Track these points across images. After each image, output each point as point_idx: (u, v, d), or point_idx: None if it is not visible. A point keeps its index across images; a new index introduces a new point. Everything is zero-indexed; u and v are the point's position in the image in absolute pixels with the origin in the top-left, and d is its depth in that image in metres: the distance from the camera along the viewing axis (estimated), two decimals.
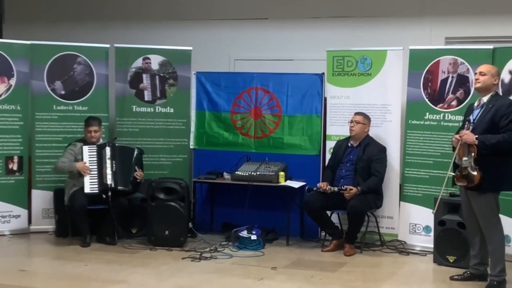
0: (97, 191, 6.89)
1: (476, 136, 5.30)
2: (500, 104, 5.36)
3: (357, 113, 7.02)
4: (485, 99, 5.46)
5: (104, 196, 6.86)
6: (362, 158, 6.88)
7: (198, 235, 7.25)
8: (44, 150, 7.57)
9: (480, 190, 5.38)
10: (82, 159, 6.92)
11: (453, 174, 5.50)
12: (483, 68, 5.55)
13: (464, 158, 5.37)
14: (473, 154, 5.30)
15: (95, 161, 6.93)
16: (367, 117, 7.02)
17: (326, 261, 6.54)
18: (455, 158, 5.48)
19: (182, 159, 7.88)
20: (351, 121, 6.98)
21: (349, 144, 7.05)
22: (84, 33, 8.59)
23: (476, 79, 5.52)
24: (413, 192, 7.00)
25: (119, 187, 6.95)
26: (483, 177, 5.29)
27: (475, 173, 5.31)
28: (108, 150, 6.98)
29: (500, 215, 5.53)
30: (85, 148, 6.95)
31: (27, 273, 5.97)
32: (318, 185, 6.87)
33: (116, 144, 7.13)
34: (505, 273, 5.47)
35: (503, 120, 5.29)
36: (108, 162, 6.94)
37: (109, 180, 6.90)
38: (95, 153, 6.96)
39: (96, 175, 6.91)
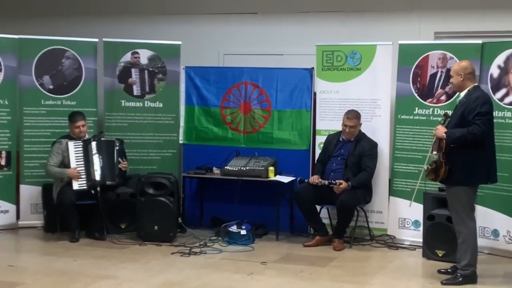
0: (85, 187, 6.86)
1: (446, 130, 5.42)
2: (471, 99, 5.43)
3: (349, 117, 6.90)
4: (462, 94, 5.56)
5: (93, 192, 6.84)
6: (354, 153, 6.88)
7: (188, 230, 7.25)
8: (32, 145, 7.53)
9: (450, 183, 5.49)
10: (68, 156, 6.87)
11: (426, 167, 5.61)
12: (451, 70, 5.69)
13: (434, 152, 5.50)
14: (442, 147, 5.42)
15: (82, 157, 6.90)
16: (359, 117, 6.96)
17: (315, 255, 6.54)
18: (430, 152, 5.61)
19: (172, 154, 7.86)
20: (345, 126, 6.90)
21: (341, 139, 7.04)
22: (73, 28, 8.53)
23: (450, 82, 5.64)
24: (402, 187, 7.02)
25: (108, 182, 6.92)
26: (450, 171, 5.40)
27: (442, 167, 5.42)
28: (94, 145, 6.94)
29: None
30: (71, 144, 6.90)
31: (16, 268, 5.95)
32: (309, 179, 6.89)
33: (102, 139, 7.09)
34: (473, 267, 5.48)
35: (470, 114, 5.37)
36: (95, 157, 6.91)
37: (98, 176, 6.88)
38: (81, 149, 6.91)
39: (83, 171, 6.88)
